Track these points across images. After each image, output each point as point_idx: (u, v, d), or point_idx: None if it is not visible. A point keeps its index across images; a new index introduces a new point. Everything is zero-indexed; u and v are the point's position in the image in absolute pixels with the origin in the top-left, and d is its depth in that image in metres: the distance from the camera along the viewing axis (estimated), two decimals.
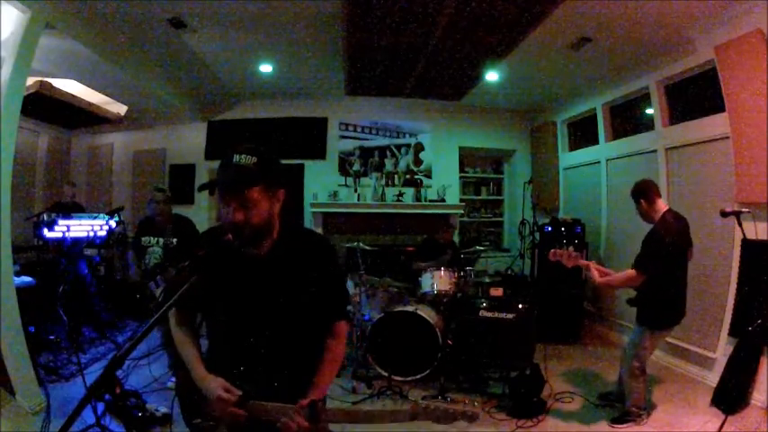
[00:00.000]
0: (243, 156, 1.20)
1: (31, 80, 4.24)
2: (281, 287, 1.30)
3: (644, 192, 2.85)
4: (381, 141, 6.44)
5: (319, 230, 5.96)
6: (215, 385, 1.22)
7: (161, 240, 3.59)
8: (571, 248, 2.79)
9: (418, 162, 6.49)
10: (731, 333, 3.33)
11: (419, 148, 6.49)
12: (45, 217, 4.08)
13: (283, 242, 1.34)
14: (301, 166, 6.30)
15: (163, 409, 2.82)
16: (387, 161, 6.42)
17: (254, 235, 1.25)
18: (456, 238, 6.06)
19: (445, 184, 6.34)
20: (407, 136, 6.48)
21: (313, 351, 1.35)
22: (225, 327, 1.34)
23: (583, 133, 5.88)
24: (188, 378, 1.31)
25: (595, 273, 2.81)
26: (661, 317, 2.80)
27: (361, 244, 4.21)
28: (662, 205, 2.83)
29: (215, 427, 1.27)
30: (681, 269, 2.80)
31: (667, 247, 2.68)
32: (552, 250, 2.80)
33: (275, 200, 1.28)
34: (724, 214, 2.54)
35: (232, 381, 1.24)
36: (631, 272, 2.72)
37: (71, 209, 4.64)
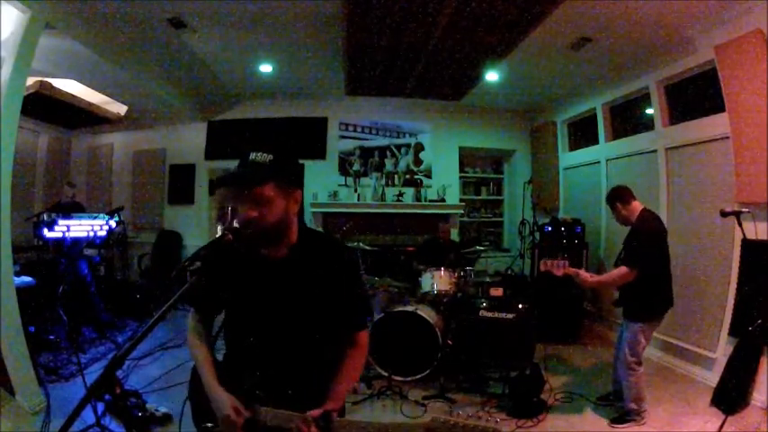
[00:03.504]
0: (259, 153, 1.20)
1: (31, 80, 4.24)
2: (301, 291, 1.26)
3: (619, 195, 2.99)
4: (381, 141, 6.44)
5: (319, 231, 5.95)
6: (224, 403, 1.18)
7: None
8: (559, 258, 2.88)
9: (418, 162, 6.49)
10: (731, 333, 3.33)
11: (419, 148, 6.49)
12: (45, 217, 4.08)
13: (303, 246, 1.30)
14: (301, 166, 6.31)
15: (163, 409, 2.82)
16: (387, 161, 6.43)
17: (267, 234, 1.22)
18: (456, 238, 6.07)
19: (445, 184, 6.35)
20: (407, 136, 6.48)
21: (330, 359, 1.31)
22: (241, 329, 1.31)
23: (583, 133, 5.88)
24: (201, 382, 1.28)
25: (586, 275, 2.89)
26: (651, 308, 2.85)
27: (361, 244, 4.21)
28: (638, 205, 2.96)
29: None
30: (666, 260, 2.89)
31: (652, 241, 2.81)
32: (542, 261, 2.95)
33: (292, 200, 1.24)
34: (724, 214, 2.56)
35: (247, 385, 1.20)
36: (623, 269, 2.79)
37: (71, 209, 4.64)
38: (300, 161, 6.27)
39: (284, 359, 1.26)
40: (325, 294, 1.28)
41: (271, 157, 1.20)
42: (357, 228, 5.98)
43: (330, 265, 1.31)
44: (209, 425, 1.25)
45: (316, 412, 1.15)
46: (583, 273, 2.88)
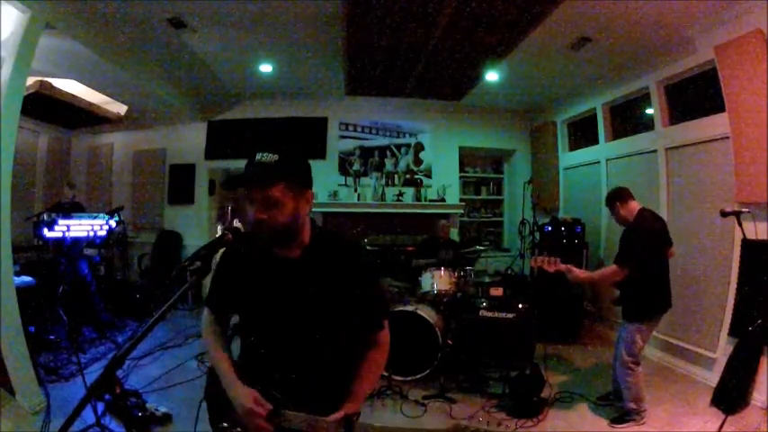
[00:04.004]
0: (266, 154, 1.18)
1: (31, 80, 4.24)
2: (315, 291, 1.25)
3: (618, 196, 3.01)
4: (381, 141, 6.44)
5: None
6: (245, 396, 1.16)
7: None
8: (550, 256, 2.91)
9: (418, 162, 6.48)
10: (731, 333, 3.33)
11: (419, 147, 6.49)
12: (45, 217, 4.07)
13: (316, 246, 1.29)
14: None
15: (163, 409, 2.82)
16: (387, 161, 6.43)
17: (277, 234, 1.21)
18: (456, 238, 6.07)
19: (445, 183, 6.35)
20: (407, 136, 6.48)
21: (349, 360, 1.30)
22: (256, 330, 1.30)
23: (583, 133, 5.88)
24: (218, 381, 1.27)
25: (577, 271, 2.89)
26: (648, 308, 2.85)
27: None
28: (636, 205, 2.97)
29: None
30: (662, 260, 2.89)
31: (647, 240, 2.80)
32: (533, 257, 3.00)
33: (302, 200, 1.23)
34: (724, 214, 2.56)
35: (264, 387, 1.19)
36: (613, 267, 2.81)
37: (71, 209, 4.64)
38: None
39: (301, 360, 1.24)
40: (340, 294, 1.26)
41: (276, 157, 1.18)
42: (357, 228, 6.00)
43: (345, 265, 1.30)
44: (225, 425, 1.24)
45: (338, 415, 1.15)
46: (574, 269, 2.88)
